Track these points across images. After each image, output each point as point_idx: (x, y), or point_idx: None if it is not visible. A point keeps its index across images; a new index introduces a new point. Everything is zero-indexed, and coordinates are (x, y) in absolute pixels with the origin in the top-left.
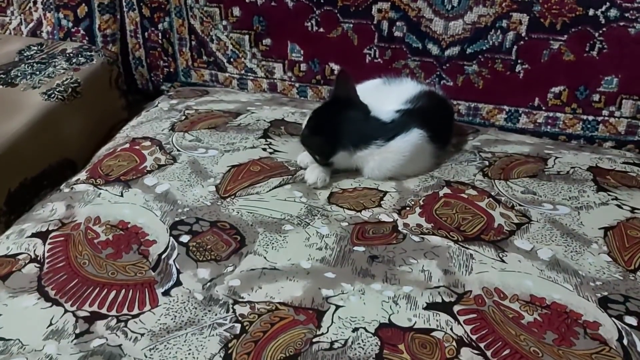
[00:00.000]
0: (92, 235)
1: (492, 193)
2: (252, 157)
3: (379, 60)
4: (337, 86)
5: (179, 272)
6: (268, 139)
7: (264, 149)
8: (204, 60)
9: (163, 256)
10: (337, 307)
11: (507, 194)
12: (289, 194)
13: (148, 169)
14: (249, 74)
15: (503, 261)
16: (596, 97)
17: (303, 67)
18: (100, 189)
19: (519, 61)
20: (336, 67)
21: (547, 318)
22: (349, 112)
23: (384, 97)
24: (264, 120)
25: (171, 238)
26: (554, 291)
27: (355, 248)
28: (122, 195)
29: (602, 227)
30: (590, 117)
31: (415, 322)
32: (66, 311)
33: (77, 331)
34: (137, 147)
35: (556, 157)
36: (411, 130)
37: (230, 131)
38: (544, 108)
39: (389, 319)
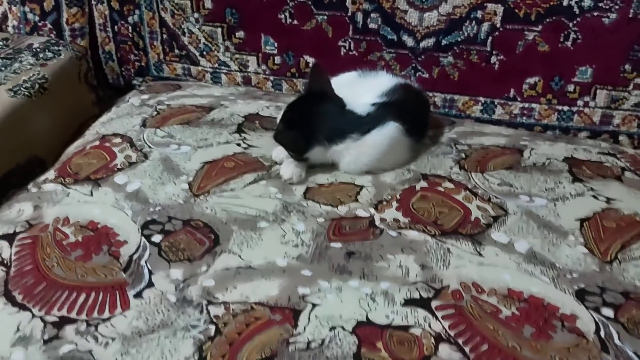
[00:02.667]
0: (60, 236)
1: (469, 186)
2: (226, 152)
3: (354, 52)
4: (312, 79)
5: (150, 273)
6: (242, 134)
7: (238, 145)
8: (176, 53)
9: (134, 257)
10: (314, 305)
11: (484, 186)
12: (264, 190)
13: (118, 167)
14: (223, 67)
15: (480, 255)
16: (571, 88)
17: (277, 60)
18: (69, 188)
19: (494, 52)
20: (311, 60)
21: (525, 312)
22: (324, 106)
23: (359, 90)
24: (238, 115)
25: (143, 238)
26: (531, 284)
27: (332, 244)
28: (91, 195)
29: (578, 219)
30: (565, 108)
31: (393, 319)
32: (34, 316)
33: (46, 337)
34: (107, 144)
35: (532, 149)
36: (387, 124)
37: (204, 126)
38: (519, 99)
39: (367, 317)
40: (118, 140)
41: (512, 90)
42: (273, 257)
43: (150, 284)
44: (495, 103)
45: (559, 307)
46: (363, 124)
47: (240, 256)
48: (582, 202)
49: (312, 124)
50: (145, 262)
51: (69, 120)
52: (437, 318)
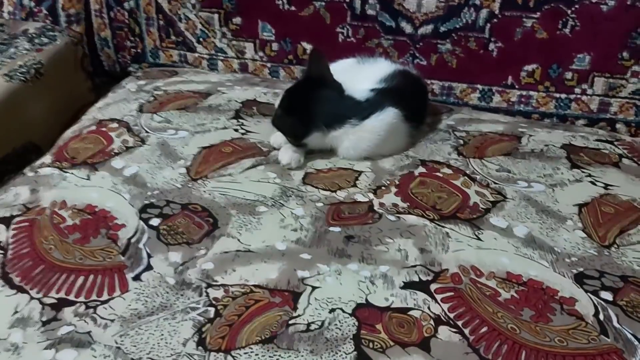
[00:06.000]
0: (58, 220)
1: (467, 171)
2: (223, 138)
3: (352, 39)
4: (311, 65)
5: (149, 256)
6: (240, 120)
7: (236, 130)
8: (173, 40)
9: (132, 240)
10: (314, 288)
11: (482, 172)
12: (263, 175)
13: (116, 151)
14: (219, 54)
15: (479, 239)
16: (569, 75)
17: (275, 46)
18: (66, 172)
19: (492, 39)
20: (309, 47)
21: (524, 295)
22: (323, 92)
23: (358, 76)
24: (236, 101)
25: (141, 221)
26: (530, 268)
27: (331, 229)
28: (88, 179)
29: (576, 204)
30: (563, 95)
31: (393, 302)
32: (32, 298)
33: (44, 319)
34: (104, 129)
35: (530, 136)
36: (386, 109)
37: (201, 112)
38: (517, 87)
39: (366, 299)
40: (115, 125)
41: (510, 78)
42: (272, 240)
43: (149, 267)
44: (493, 90)
45: (558, 290)
46: (362, 110)
47: (239, 240)
48: (580, 188)
49: (311, 109)
50: (144, 245)
51: (64, 106)
52: (436, 300)
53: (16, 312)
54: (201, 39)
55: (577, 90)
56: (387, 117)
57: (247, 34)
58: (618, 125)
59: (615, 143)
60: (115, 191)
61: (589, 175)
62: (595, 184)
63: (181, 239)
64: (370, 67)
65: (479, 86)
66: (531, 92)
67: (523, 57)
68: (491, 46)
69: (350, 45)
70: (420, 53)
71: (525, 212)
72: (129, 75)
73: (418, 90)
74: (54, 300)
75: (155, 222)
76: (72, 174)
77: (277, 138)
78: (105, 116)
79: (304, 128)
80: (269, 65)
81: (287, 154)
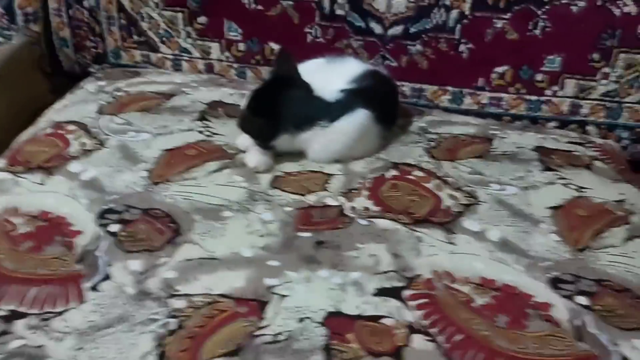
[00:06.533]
0: (9, 227)
1: (439, 174)
2: (187, 140)
3: (321, 39)
4: (278, 64)
5: (107, 264)
6: (205, 122)
7: (201, 132)
8: (135, 40)
9: (89, 248)
10: (282, 296)
11: (454, 174)
12: (229, 179)
13: (73, 154)
14: (184, 54)
15: (452, 243)
16: (539, 77)
17: (241, 46)
18: (19, 177)
19: (463, 40)
20: (276, 47)
21: (499, 300)
22: (291, 92)
23: (327, 76)
24: (201, 102)
25: (98, 228)
26: (504, 272)
27: (300, 234)
28: (43, 184)
29: (549, 207)
30: (534, 97)
31: (365, 310)
32: None
33: None
34: (60, 131)
35: (502, 138)
36: (356, 111)
37: (164, 113)
38: (487, 89)
39: (337, 308)
40: (72, 127)
41: (480, 80)
42: (238, 247)
43: (107, 277)
44: (464, 93)
45: (533, 296)
46: (332, 111)
47: (202, 246)
48: (553, 190)
49: (279, 110)
50: (102, 253)
51: (22, 108)
52: (409, 308)
53: None
54: (165, 39)
55: (548, 92)
56: (358, 118)
57: (212, 33)
58: (589, 127)
59: (587, 145)
60: (72, 197)
61: (562, 178)
62: (568, 187)
63: (142, 246)
64: (339, 67)
65: (450, 88)
66: (502, 94)
67: (494, 59)
68: (462, 47)
69: (319, 45)
70: (390, 54)
71: (499, 215)
72: (89, 76)
73: (389, 91)
74: (5, 312)
75: (114, 228)
76: (26, 178)
77: (244, 140)
78: (63, 118)
79: (271, 130)
80: (235, 66)
81: (254, 156)
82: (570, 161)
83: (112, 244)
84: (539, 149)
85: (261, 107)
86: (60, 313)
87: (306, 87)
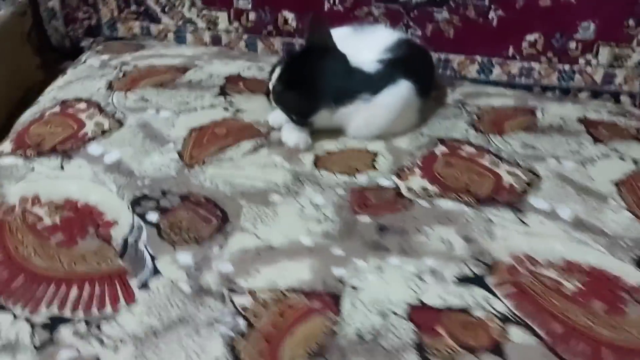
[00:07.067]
0: (33, 219)
1: (491, 149)
2: (213, 118)
3: (339, 7)
4: (311, 32)
5: (153, 258)
6: (227, 97)
7: (226, 109)
8: (133, 10)
9: (130, 240)
10: (355, 288)
11: (507, 149)
12: (268, 159)
13: (90, 135)
14: (188, 25)
15: (525, 224)
16: (572, 45)
17: (252, 16)
18: (33, 161)
19: (493, 7)
20: (290, 16)
21: (589, 285)
22: (328, 63)
23: (358, 46)
24: (218, 76)
25: (135, 217)
26: (587, 254)
27: (359, 218)
28: (62, 169)
29: (613, 181)
30: (567, 67)
31: (450, 301)
32: (16, 317)
33: (37, 343)
34: (70, 110)
35: (543, 109)
36: (399, 82)
37: (182, 89)
38: (518, 58)
39: (419, 299)
40: (83, 105)
41: (510, 48)
42: (295, 234)
43: (155, 272)
44: (493, 62)
45: (622, 278)
46: (373, 83)
47: (256, 235)
48: (611, 164)
49: (317, 83)
50: (145, 246)
51: (11, 85)
52: (497, 297)
53: None
54: (167, 9)
55: (582, 60)
56: (401, 90)
57: (220, 2)
58: (622, 98)
59: (627, 116)
60: (98, 182)
61: (615, 151)
62: (624, 160)
63: (188, 237)
64: (370, 35)
65: (478, 58)
66: (533, 64)
67: (525, 26)
68: (491, 14)
69: (337, 14)
70: (414, 22)
71: (565, 192)
72: (81, 52)
73: (426, 61)
74: (45, 319)
75: (153, 217)
76: (41, 163)
77: (277, 117)
78: (70, 96)
79: (310, 105)
80: (245, 37)
81: (293, 134)
82: (617, 133)
83: (154, 234)
84: (583, 120)
85: (298, 80)
86: (110, 317)
87: (343, 58)
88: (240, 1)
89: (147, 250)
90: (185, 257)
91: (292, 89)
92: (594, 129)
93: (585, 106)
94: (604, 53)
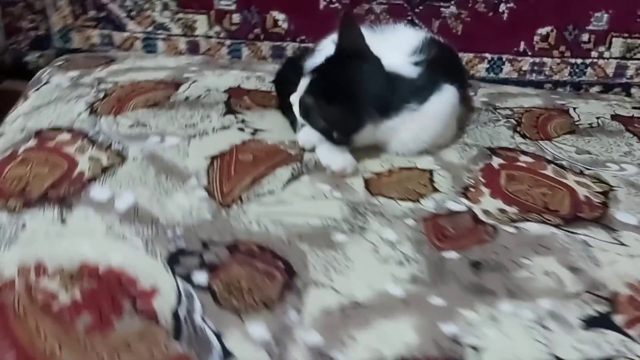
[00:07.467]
0: (44, 297)
1: (547, 157)
2: (231, 141)
3: (337, 4)
4: (342, 33)
5: (218, 336)
6: (237, 115)
7: (242, 130)
8: (92, 16)
9: (180, 313)
10: (476, 349)
11: (563, 156)
12: (314, 189)
13: (87, 175)
14: (160, 31)
15: (623, 243)
16: (585, 37)
17: (236, 18)
18: (22, 215)
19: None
20: (281, 17)
21: None
22: (365, 69)
23: (382, 48)
24: (217, 90)
25: (179, 279)
26: None
27: (445, 254)
28: (63, 222)
29: None
30: (579, 61)
31: (587, 352)
32: None
33: None
34: (50, 143)
35: (574, 108)
36: (443, 87)
37: (181, 108)
38: (530, 53)
39: (552, 354)
40: (65, 136)
41: (522, 44)
42: (380, 283)
43: (226, 354)
44: (504, 59)
45: None
46: (418, 90)
47: (334, 288)
48: None
49: (360, 93)
50: (203, 319)
51: None
52: (634, 340)
53: None
54: (133, 13)
55: (594, 53)
56: (448, 97)
57: (198, 3)
58: (633, 90)
59: None
60: (116, 237)
61: None
62: None
63: (254, 301)
64: (393, 36)
65: (488, 55)
66: (545, 59)
67: (537, 19)
68: (502, 7)
69: (334, 12)
70: (420, 18)
71: None
72: (25, 68)
73: (458, 60)
74: None
75: (201, 278)
76: (33, 217)
77: (308, 136)
78: (42, 125)
79: (355, 120)
80: (228, 42)
81: (335, 156)
82: None
83: (209, 302)
84: (615, 117)
85: (336, 91)
86: None
87: (377, 62)
88: (221, 1)
89: (208, 326)
90: (259, 329)
91: (331, 102)
92: (631, 127)
93: (608, 102)
94: (617, 45)
